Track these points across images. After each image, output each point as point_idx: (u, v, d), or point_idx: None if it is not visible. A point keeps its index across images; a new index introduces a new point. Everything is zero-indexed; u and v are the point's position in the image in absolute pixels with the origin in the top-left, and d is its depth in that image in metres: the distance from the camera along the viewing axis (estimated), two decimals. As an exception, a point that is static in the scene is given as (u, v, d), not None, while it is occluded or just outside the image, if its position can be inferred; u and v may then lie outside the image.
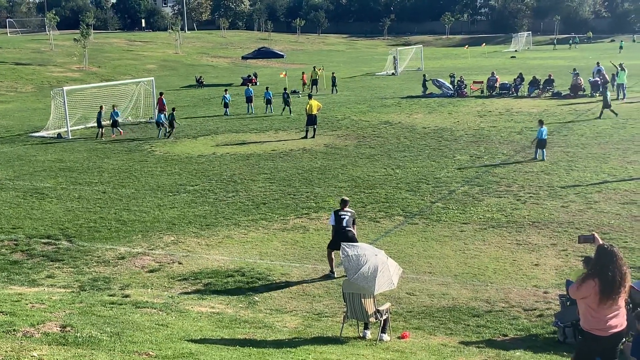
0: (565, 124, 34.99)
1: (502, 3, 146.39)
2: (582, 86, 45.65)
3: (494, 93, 48.31)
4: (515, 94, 47.42)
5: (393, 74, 68.76)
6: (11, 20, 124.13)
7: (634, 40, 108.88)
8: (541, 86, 47.01)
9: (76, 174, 27.18)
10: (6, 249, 18.15)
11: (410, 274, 15.63)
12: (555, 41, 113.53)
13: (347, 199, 16.47)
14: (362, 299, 11.90)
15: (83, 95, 42.01)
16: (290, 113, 41.37)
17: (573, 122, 35.31)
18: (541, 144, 26.94)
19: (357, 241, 14.92)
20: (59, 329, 10.47)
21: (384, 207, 21.29)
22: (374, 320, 12.19)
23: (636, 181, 23.16)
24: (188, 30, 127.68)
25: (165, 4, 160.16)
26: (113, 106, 37.03)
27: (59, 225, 20.22)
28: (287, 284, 15.48)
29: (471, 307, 13.92)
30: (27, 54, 78.34)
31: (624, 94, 42.80)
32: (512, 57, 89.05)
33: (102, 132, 35.52)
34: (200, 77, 66.22)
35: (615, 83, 44.72)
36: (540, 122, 27.33)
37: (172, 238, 18.97)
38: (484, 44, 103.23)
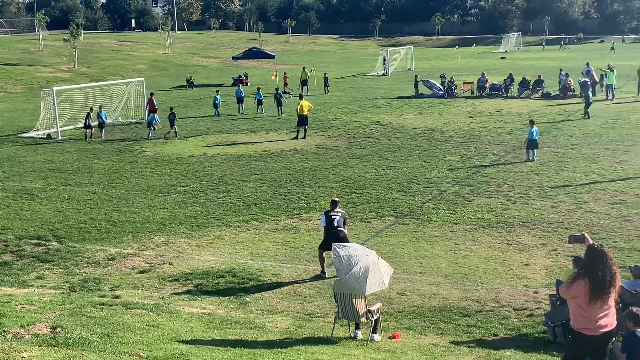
0: (554, 124, 35.12)
1: (492, 4, 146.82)
2: (572, 87, 45.82)
3: (484, 94, 48.43)
4: (505, 95, 47.55)
5: (384, 74, 68.81)
6: (0, 20, 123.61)
7: (623, 41, 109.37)
8: (531, 87, 47.19)
9: (66, 175, 27.09)
10: (-4, 250, 18.07)
11: (401, 274, 15.65)
12: (544, 42, 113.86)
13: (337, 199, 16.50)
14: (353, 299, 11.92)
15: (73, 96, 41.82)
16: (281, 114, 41.30)
17: (563, 123, 35.45)
18: (532, 144, 27.03)
19: (348, 241, 14.94)
20: (49, 330, 10.44)
21: (375, 207, 21.32)
22: (365, 321, 12.21)
23: (625, 181, 23.27)
24: (178, 30, 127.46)
25: (155, 4, 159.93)
26: (100, 107, 36.80)
27: (48, 226, 20.15)
28: (278, 285, 15.48)
29: (462, 307, 13.96)
30: (16, 54, 78.00)
31: (613, 95, 43.00)
32: (502, 57, 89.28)
33: (91, 133, 35.36)
34: (191, 77, 66.07)
35: (605, 84, 44.96)
36: (531, 123, 27.42)
37: (163, 239, 18.93)
38: (474, 44, 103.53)
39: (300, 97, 36.85)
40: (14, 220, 20.86)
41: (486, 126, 35.35)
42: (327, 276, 15.66)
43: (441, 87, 50.14)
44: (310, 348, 11.19)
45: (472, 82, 50.55)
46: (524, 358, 11.32)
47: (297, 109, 34.06)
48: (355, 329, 12.41)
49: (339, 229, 15.64)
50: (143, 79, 45.39)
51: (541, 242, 17.66)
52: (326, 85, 54.12)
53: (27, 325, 10.50)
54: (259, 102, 43.36)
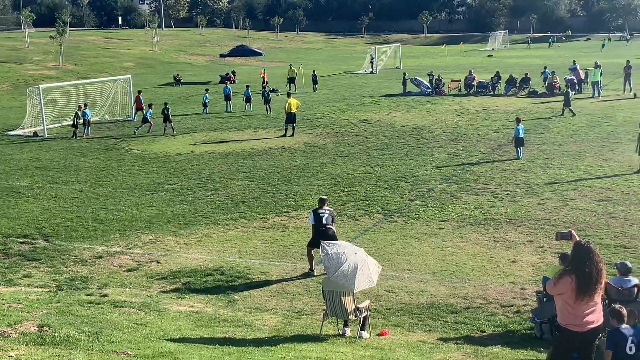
0: (541, 122, 35.27)
1: (479, 2, 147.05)
2: (558, 85, 46.02)
3: (471, 91, 48.55)
4: (492, 93, 47.70)
5: (371, 72, 68.84)
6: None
7: (609, 39, 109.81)
8: (518, 85, 47.35)
9: (53, 173, 26.97)
10: (-18, 249, 17.97)
11: (389, 271, 15.69)
12: (529, 40, 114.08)
13: (325, 197, 16.52)
14: (342, 297, 11.94)
15: (59, 94, 41.65)
16: (269, 111, 41.23)
17: (549, 120, 35.60)
18: (518, 142, 27.13)
19: (337, 239, 14.95)
20: (36, 328, 10.41)
21: (363, 205, 21.35)
22: (354, 318, 12.23)
23: (611, 178, 23.41)
24: (165, 27, 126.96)
25: (142, 1, 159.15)
26: (85, 105, 36.50)
27: (35, 225, 20.06)
28: (267, 283, 15.48)
29: (449, 303, 14.01)
30: (2, 51, 77.47)
31: (599, 92, 43.22)
32: (489, 55, 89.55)
33: (76, 132, 35.17)
34: (178, 75, 65.88)
35: (588, 81, 45.25)
36: (517, 120, 27.52)
37: (151, 237, 18.89)
38: (462, 42, 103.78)
39: (288, 94, 36.84)
40: (1, 218, 20.75)
41: (473, 124, 35.46)
42: (315, 274, 15.68)
43: (429, 85, 50.23)
44: (298, 346, 11.20)
45: (460, 80, 50.67)
46: (511, 354, 11.38)
47: (285, 107, 34.04)
48: (344, 327, 12.44)
49: (327, 226, 15.66)
50: (130, 76, 45.23)
51: (528, 239, 17.75)
52: (314, 83, 54.10)
53: (14, 324, 10.46)
54: (248, 100, 43.28)
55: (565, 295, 8.45)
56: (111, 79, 46.10)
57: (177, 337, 11.27)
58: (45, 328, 10.43)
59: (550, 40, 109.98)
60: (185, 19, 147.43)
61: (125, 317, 12.45)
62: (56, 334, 10.09)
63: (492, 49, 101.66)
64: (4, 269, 16.42)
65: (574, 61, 51.41)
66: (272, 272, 16.13)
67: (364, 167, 26.48)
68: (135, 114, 40.81)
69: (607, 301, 11.14)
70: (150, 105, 37.55)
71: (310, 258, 15.89)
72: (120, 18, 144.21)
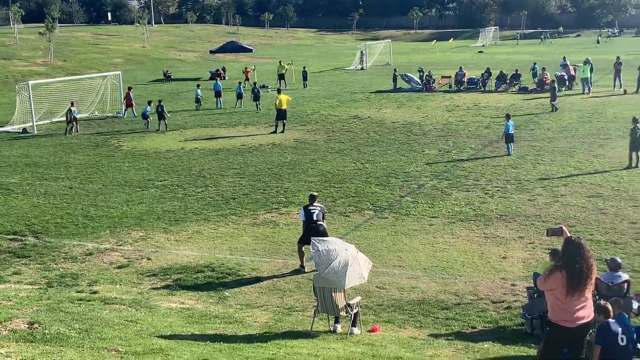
0: (531, 118, 35.35)
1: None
2: (548, 81, 46.11)
3: (461, 88, 48.61)
4: (482, 89, 47.77)
5: (362, 68, 68.82)
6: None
7: (600, 35, 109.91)
8: (508, 81, 47.45)
9: (42, 170, 26.85)
10: (-29, 246, 17.87)
11: (380, 267, 15.70)
12: (518, 36, 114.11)
13: (315, 194, 16.53)
14: (333, 293, 11.94)
15: (49, 90, 41.49)
16: (259, 108, 41.12)
17: (539, 116, 35.69)
18: (509, 138, 27.18)
19: (327, 235, 14.95)
20: (26, 325, 10.37)
21: (354, 201, 21.35)
22: (345, 314, 12.23)
23: (602, 174, 23.49)
24: (155, 23, 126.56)
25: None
26: (72, 103, 36.23)
27: (25, 221, 19.97)
28: (258, 279, 15.47)
29: (440, 300, 14.03)
30: (-9, 47, 77.12)
31: (589, 88, 43.35)
32: (479, 52, 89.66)
33: (71, 128, 35.00)
34: (168, 71, 65.68)
35: (577, 77, 45.45)
36: (507, 117, 27.57)
37: (141, 234, 18.84)
38: (452, 38, 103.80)
39: (279, 91, 36.77)
40: (-10, 215, 20.66)
41: (464, 120, 35.51)
42: (306, 270, 15.68)
43: (419, 81, 50.29)
44: (289, 342, 11.20)
45: (450, 76, 50.70)
46: (502, 350, 11.41)
47: (275, 104, 33.97)
48: (335, 323, 12.44)
49: (318, 223, 15.66)
50: (120, 72, 45.05)
51: (519, 235, 17.79)
52: (305, 79, 54.03)
53: (4, 321, 10.41)
54: (239, 96, 43.21)
55: (556, 291, 8.48)
56: (101, 76, 45.93)
57: (168, 333, 11.24)
58: (36, 325, 10.38)
59: (542, 36, 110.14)
60: (175, 15, 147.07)
61: (116, 314, 12.42)
62: (46, 331, 10.06)
63: (483, 45, 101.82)
64: (-7, 266, 16.34)
65: (564, 57, 51.55)
66: (263, 268, 16.12)
67: (354, 163, 26.48)
68: (125, 110, 40.69)
69: (597, 297, 11.18)
70: (149, 102, 37.33)
71: (301, 254, 15.88)
72: (109, 14, 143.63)
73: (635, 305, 12.05)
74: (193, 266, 16.30)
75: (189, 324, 12.33)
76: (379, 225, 19.04)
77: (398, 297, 14.25)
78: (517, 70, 48.77)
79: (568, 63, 49.05)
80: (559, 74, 46.32)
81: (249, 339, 11.36)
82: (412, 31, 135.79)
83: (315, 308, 12.44)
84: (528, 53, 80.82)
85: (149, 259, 16.88)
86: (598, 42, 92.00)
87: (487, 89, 47.68)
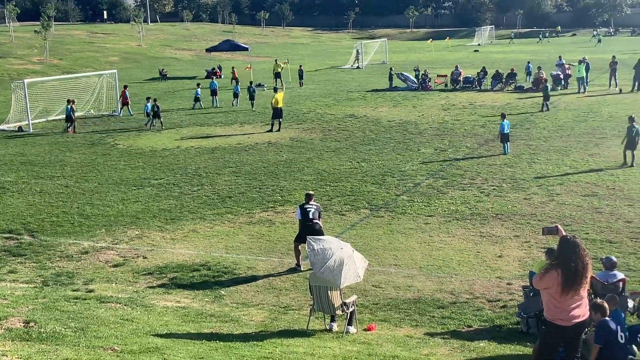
0: (527, 117, 35.39)
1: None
2: (544, 80, 46.18)
3: (457, 87, 48.64)
4: (478, 88, 47.81)
5: (358, 67, 68.80)
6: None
7: (594, 36, 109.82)
8: (504, 80, 47.50)
9: (38, 168, 26.80)
10: (-34, 244, 17.84)
11: (376, 266, 15.71)
12: (512, 35, 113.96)
13: (311, 193, 16.56)
14: (329, 292, 11.94)
15: (44, 88, 41.39)
16: (253, 107, 41.02)
17: (535, 115, 35.72)
18: (504, 137, 27.21)
19: (323, 234, 14.96)
20: (22, 324, 10.35)
21: (350, 200, 21.36)
22: (341, 313, 12.24)
23: (597, 173, 23.53)
24: (151, 22, 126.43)
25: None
26: (67, 101, 36.13)
27: (20, 220, 19.93)
28: (254, 278, 15.47)
29: (436, 298, 14.05)
30: (-14, 45, 76.94)
31: (585, 88, 43.41)
32: (475, 50, 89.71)
33: (73, 126, 34.92)
34: (164, 69, 65.60)
35: (571, 76, 45.53)
36: (502, 116, 27.60)
37: (137, 232, 18.82)
38: (448, 37, 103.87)
39: (275, 90, 36.72)
40: (-15, 214, 20.61)
41: (460, 119, 35.54)
42: (302, 269, 15.68)
43: (415, 80, 50.30)
44: (285, 341, 11.20)
45: (446, 75, 50.74)
46: (498, 349, 11.43)
47: (272, 102, 33.95)
48: (331, 322, 12.45)
49: (314, 221, 15.69)
50: (115, 71, 44.96)
51: (514, 234, 17.82)
52: (301, 78, 54.00)
53: (0, 319, 10.39)
54: (235, 95, 43.20)
55: (552, 290, 8.49)
56: (96, 74, 45.82)
57: (164, 332, 11.24)
58: (31, 324, 10.37)
59: (540, 35, 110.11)
60: (171, 14, 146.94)
61: (112, 313, 12.41)
62: (42, 330, 10.04)
63: (479, 44, 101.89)
64: (-12, 265, 16.31)
65: (559, 57, 51.64)
66: (259, 267, 16.12)
67: (350, 162, 26.49)
68: (121, 109, 40.63)
69: (593, 296, 11.21)
70: (148, 99, 37.12)
71: (297, 253, 15.89)
72: (105, 12, 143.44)
73: (630, 304, 12.08)
74: (189, 265, 16.30)
75: (185, 322, 12.33)
76: (375, 224, 19.05)
77: (394, 296, 14.26)
78: (512, 70, 48.84)
79: (564, 62, 49.14)
80: (555, 73, 46.41)
81: (245, 337, 11.36)
82: (408, 30, 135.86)
83: (311, 307, 12.44)
84: (524, 52, 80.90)
85: (145, 258, 16.86)
86: (599, 42, 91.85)
87: (482, 88, 47.71)
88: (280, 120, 33.85)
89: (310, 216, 15.70)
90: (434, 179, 23.64)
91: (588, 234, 17.49)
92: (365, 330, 12.38)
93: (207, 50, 78.49)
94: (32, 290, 14.12)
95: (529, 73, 49.93)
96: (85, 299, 13.45)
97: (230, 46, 77.80)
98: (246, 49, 75.19)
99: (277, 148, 29.56)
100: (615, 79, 44.17)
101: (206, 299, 14.22)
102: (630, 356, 9.47)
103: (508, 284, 14.70)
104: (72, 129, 34.98)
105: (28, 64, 68.48)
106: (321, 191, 22.09)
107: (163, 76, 63.21)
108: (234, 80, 49.64)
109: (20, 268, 16.16)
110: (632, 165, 24.15)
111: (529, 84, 46.86)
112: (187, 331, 11.59)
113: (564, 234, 8.82)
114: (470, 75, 49.57)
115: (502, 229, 18.24)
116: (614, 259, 12.67)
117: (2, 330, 9.91)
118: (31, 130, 35.58)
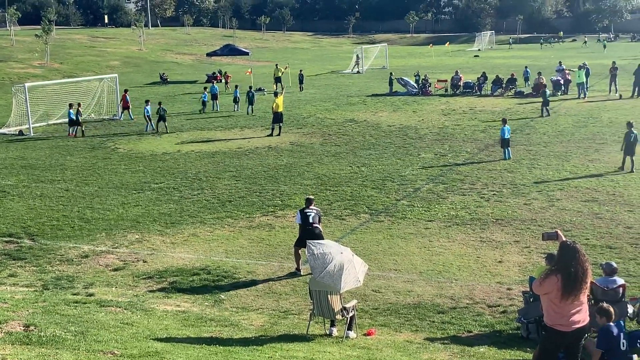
0: (527, 122, 35.42)
1: (466, 2, 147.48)
2: (545, 84, 46.24)
3: (457, 92, 48.72)
4: (478, 93, 47.87)
5: (358, 72, 68.88)
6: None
7: (598, 40, 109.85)
8: (504, 85, 47.55)
9: (38, 172, 26.82)
10: (-34, 248, 17.84)
11: (375, 271, 15.71)
12: (511, 40, 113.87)
13: (311, 197, 16.56)
14: (329, 297, 11.94)
15: (45, 92, 41.45)
16: (252, 112, 41.05)
17: (535, 121, 35.75)
18: (504, 142, 27.22)
19: (323, 238, 14.96)
20: (22, 328, 10.35)
21: (350, 204, 21.36)
22: (341, 318, 12.24)
23: (597, 179, 23.54)
24: (152, 26, 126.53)
25: (128, 0, 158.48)
26: (70, 105, 36.11)
27: (21, 224, 19.94)
28: (253, 282, 15.46)
29: (436, 303, 14.04)
30: (-13, 49, 76.99)
31: (585, 93, 43.45)
32: (475, 56, 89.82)
33: (82, 130, 34.92)
34: (165, 74, 65.67)
35: (571, 81, 45.57)
36: (503, 121, 27.63)
37: (137, 236, 18.82)
38: (448, 43, 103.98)
39: (275, 94, 36.77)
40: (-15, 217, 20.61)
41: (460, 124, 35.56)
42: (302, 273, 15.68)
43: (415, 85, 50.36)
44: (285, 345, 11.20)
45: (446, 80, 50.83)
46: (498, 354, 11.42)
47: (272, 107, 34.00)
48: (331, 326, 12.44)
49: (314, 225, 15.68)
50: (116, 75, 45.05)
51: (514, 239, 17.82)
52: (301, 82, 54.07)
53: (0, 323, 10.39)
54: (235, 100, 43.29)
55: (551, 295, 8.49)
56: (97, 78, 45.91)
57: (164, 336, 11.23)
58: (31, 327, 10.37)
59: (542, 41, 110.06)
60: (171, 18, 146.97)
61: (112, 317, 12.40)
62: (42, 334, 10.04)
63: (479, 50, 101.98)
64: (-12, 269, 16.31)
65: (560, 62, 51.71)
66: (259, 271, 16.12)
67: (350, 166, 26.50)
68: (122, 113, 40.66)
69: (592, 301, 11.21)
70: (147, 102, 37.07)
71: (297, 257, 15.88)
72: (106, 17, 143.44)
73: (630, 309, 12.09)
74: (189, 269, 16.30)
75: (185, 326, 12.33)
76: (375, 228, 19.05)
77: (394, 301, 14.25)
78: (512, 75, 48.91)
79: (564, 68, 49.21)
80: (555, 78, 46.47)
81: (245, 342, 11.36)
82: (408, 35, 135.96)
83: (311, 311, 12.44)
84: (524, 57, 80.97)
85: (145, 262, 16.86)
86: (605, 47, 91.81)
87: (483, 93, 47.77)
88: (281, 124, 33.90)
89: (311, 220, 15.70)
90: (434, 183, 23.65)
91: (588, 239, 17.49)
92: (365, 335, 12.38)
93: (208, 54, 78.47)
94: (32, 294, 14.11)
95: (526, 78, 50.02)
96: (85, 303, 13.45)
97: (230, 50, 77.77)
98: (247, 54, 75.18)
99: (277, 152, 29.58)
100: (616, 85, 44.22)
101: (206, 303, 14.22)
102: None
103: (508, 289, 14.69)
104: (75, 132, 34.99)
105: (29, 67, 68.54)
106: (321, 195, 22.10)
107: (164, 80, 63.29)
108: (226, 86, 49.50)
109: (20, 272, 16.16)
110: (631, 171, 24.17)
111: (528, 89, 46.93)
112: (187, 335, 11.58)
113: (564, 239, 8.83)
114: (470, 81, 49.65)
115: (502, 234, 18.24)
116: (614, 264, 12.67)
117: (2, 334, 9.91)
118: (32, 134, 35.61)
